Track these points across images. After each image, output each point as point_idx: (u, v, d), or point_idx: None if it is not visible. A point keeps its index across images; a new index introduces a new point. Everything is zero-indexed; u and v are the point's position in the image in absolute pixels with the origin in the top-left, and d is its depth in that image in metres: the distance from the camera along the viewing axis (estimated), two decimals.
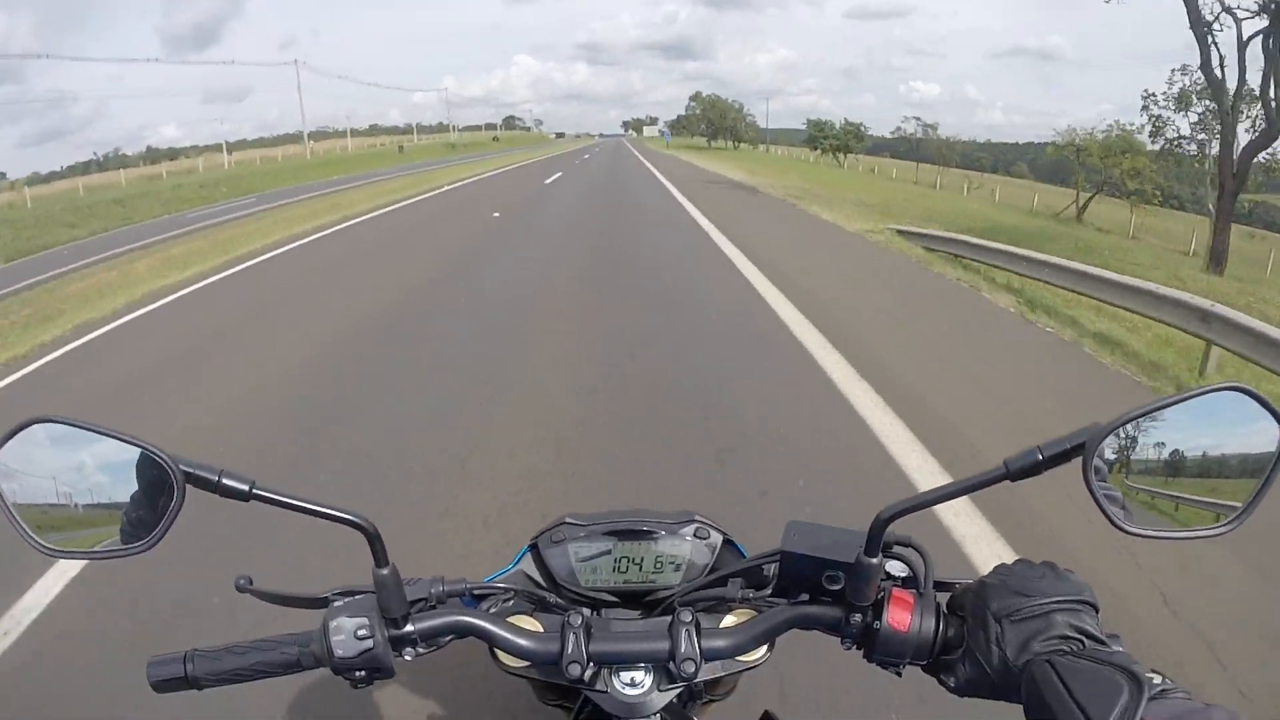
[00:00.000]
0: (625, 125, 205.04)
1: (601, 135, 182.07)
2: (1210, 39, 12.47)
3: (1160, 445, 0.50)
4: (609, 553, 0.64)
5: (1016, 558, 0.56)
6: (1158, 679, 0.45)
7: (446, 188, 20.14)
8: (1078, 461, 0.48)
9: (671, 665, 0.55)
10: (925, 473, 2.82)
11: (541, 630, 0.58)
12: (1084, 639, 0.49)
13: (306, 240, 10.61)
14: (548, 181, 21.33)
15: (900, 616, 0.53)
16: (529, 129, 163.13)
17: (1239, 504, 0.50)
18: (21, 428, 0.52)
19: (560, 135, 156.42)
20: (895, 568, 0.56)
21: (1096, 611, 0.51)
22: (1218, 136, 13.94)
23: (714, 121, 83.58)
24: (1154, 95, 18.82)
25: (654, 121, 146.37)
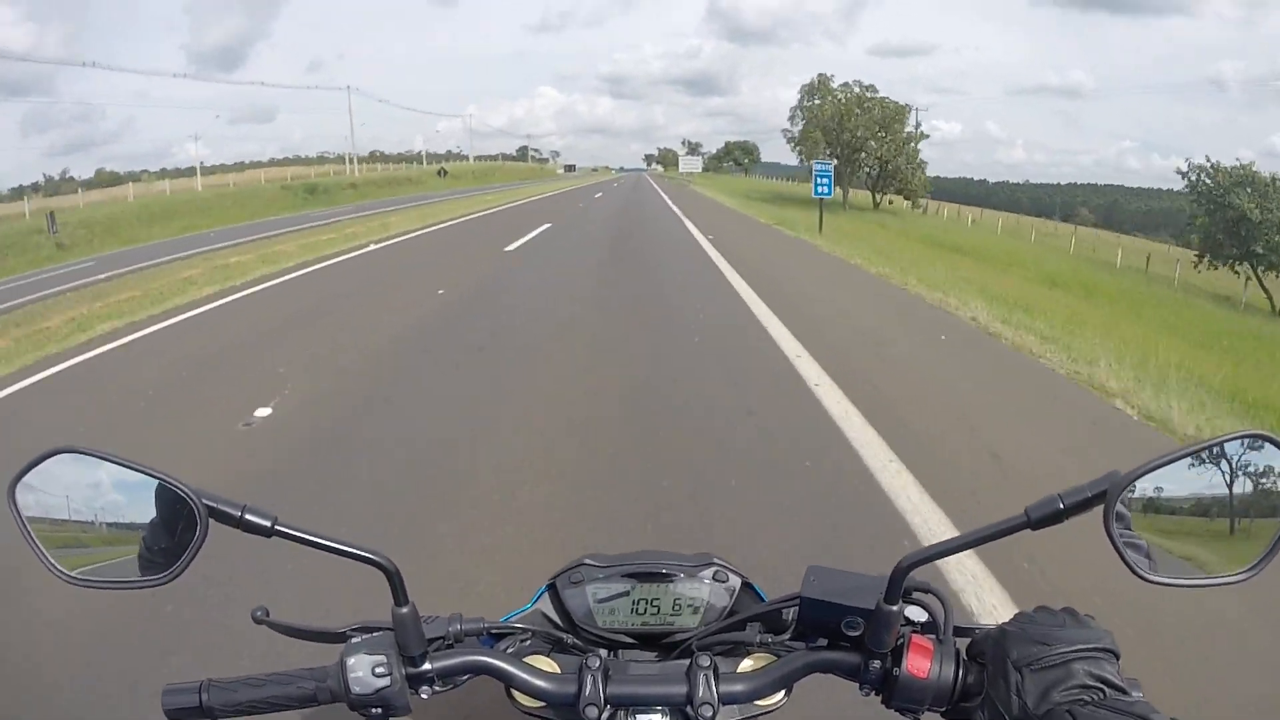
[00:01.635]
0: (648, 159, 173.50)
1: (622, 169, 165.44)
2: None
3: (1183, 491, 0.50)
4: (627, 594, 0.64)
5: (1036, 605, 0.55)
6: None
7: None
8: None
9: (689, 709, 0.55)
10: None
11: (559, 671, 0.58)
12: (1104, 688, 0.48)
13: None
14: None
15: (920, 663, 0.53)
16: (545, 160, 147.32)
17: (1260, 549, 0.50)
18: (45, 457, 0.53)
19: (570, 168, 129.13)
20: (914, 613, 0.56)
21: (1117, 658, 0.51)
22: None
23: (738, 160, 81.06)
24: None
25: (695, 150, 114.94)
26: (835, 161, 29.74)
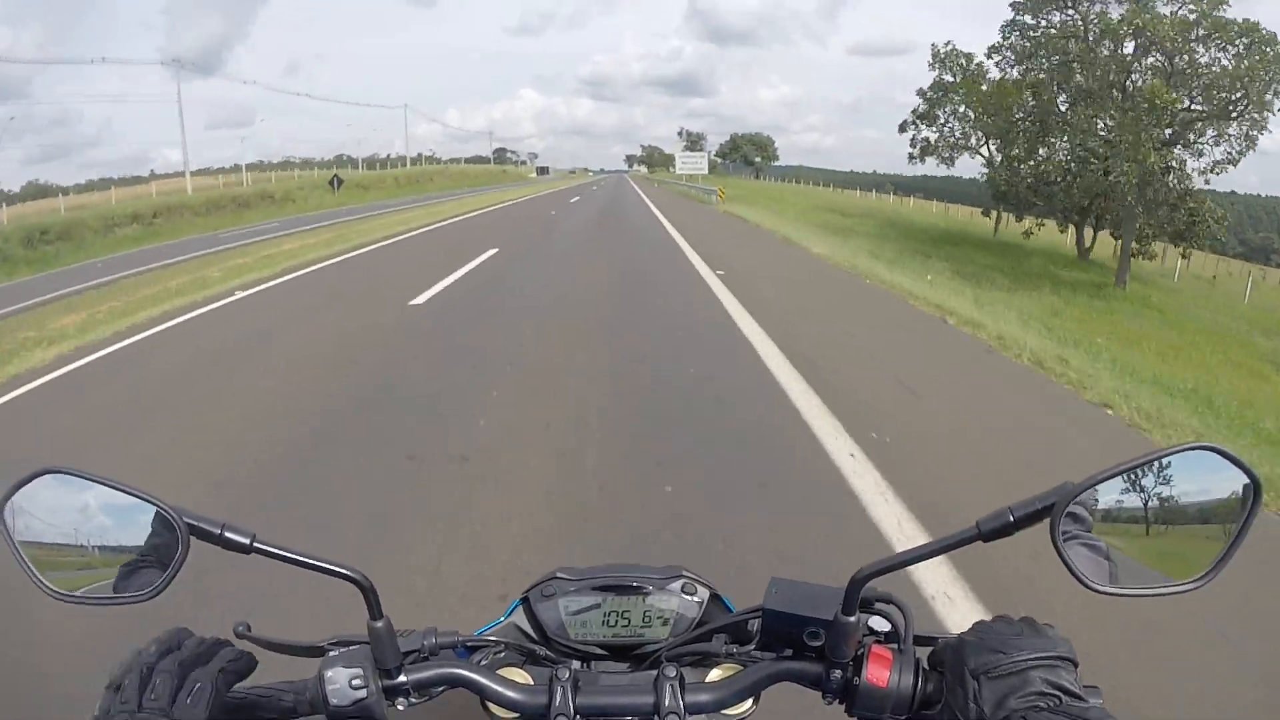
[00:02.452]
0: (629, 159, 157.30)
1: (602, 171, 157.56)
2: None
3: (1132, 503, 0.52)
4: (599, 606, 0.65)
5: (995, 615, 0.56)
6: None
7: None
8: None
9: (656, 719, 0.56)
10: None
11: (531, 683, 0.59)
12: (1060, 694, 0.50)
13: None
14: None
15: (879, 673, 0.55)
16: (523, 162, 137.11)
17: (1211, 558, 0.51)
18: (33, 477, 0.55)
19: (543, 171, 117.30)
20: (878, 623, 0.58)
21: (1075, 666, 0.52)
22: None
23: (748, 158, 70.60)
24: None
25: (697, 143, 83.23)
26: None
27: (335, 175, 39.24)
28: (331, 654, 0.58)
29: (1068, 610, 1.85)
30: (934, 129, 27.71)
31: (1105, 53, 18.00)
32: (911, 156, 28.62)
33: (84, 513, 0.57)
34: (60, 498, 0.56)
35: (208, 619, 2.12)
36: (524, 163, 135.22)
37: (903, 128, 29.04)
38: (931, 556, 0.51)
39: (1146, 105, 16.24)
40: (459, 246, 12.27)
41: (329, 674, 0.55)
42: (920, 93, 27.93)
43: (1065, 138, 19.54)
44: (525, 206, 25.59)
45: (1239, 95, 16.62)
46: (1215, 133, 17.72)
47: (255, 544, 0.53)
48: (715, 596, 0.67)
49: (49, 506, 0.56)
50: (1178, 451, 0.51)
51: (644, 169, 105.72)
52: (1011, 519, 0.49)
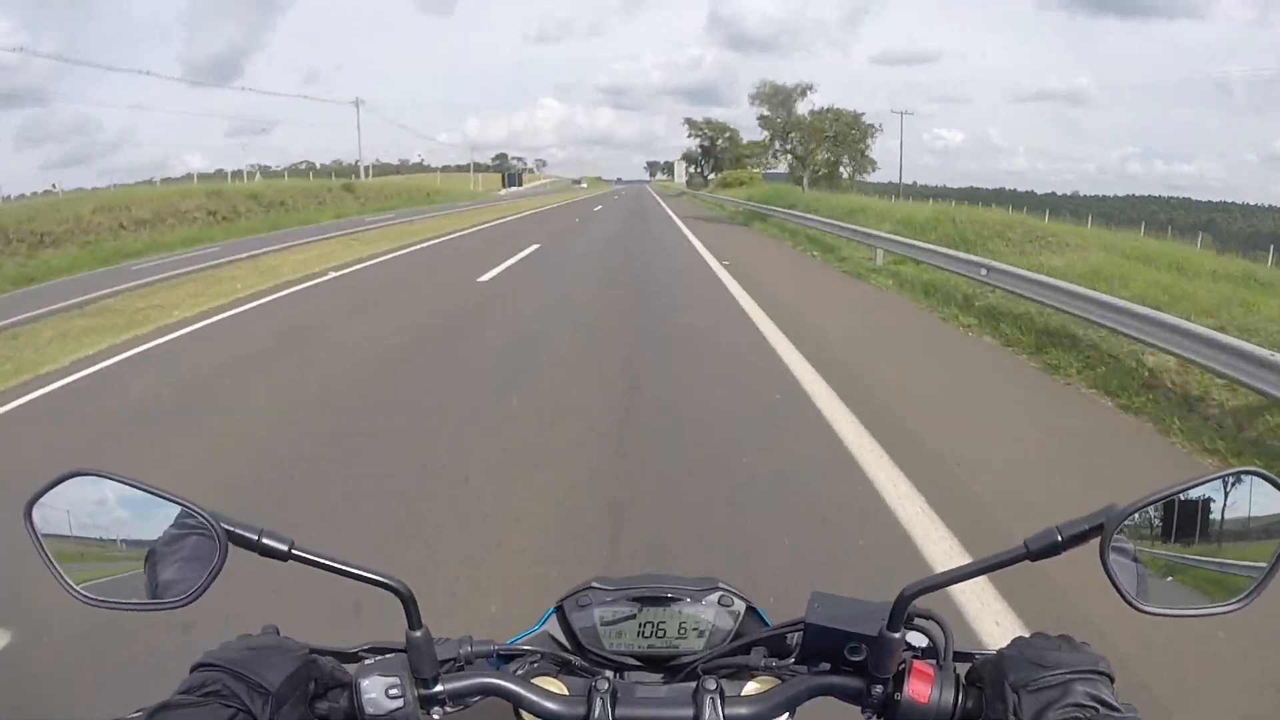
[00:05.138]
0: (651, 167, 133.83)
1: (620, 180, 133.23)
2: None
3: (1178, 525, 0.52)
4: (634, 617, 0.65)
5: (1034, 632, 0.57)
6: None
7: None
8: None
9: None
10: None
11: (567, 693, 0.59)
12: (1099, 706, 0.50)
13: None
14: None
15: (920, 688, 0.54)
16: (530, 170, 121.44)
17: (1252, 581, 0.52)
18: (63, 479, 0.53)
19: (514, 181, 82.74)
20: (916, 639, 0.57)
21: (1112, 682, 0.53)
22: None
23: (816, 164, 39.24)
24: None
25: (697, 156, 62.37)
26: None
27: None
28: (367, 662, 0.57)
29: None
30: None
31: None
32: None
33: (113, 516, 0.55)
34: (89, 500, 0.55)
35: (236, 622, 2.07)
36: (530, 170, 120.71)
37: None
38: (978, 575, 0.51)
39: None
40: None
41: (365, 683, 0.55)
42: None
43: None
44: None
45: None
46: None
47: (294, 551, 0.52)
48: (751, 609, 0.66)
49: (78, 509, 0.55)
50: (1224, 476, 0.52)
51: (681, 180, 73.82)
52: (1060, 538, 0.49)
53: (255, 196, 28.50)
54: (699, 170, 68.23)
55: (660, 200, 43.28)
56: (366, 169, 53.62)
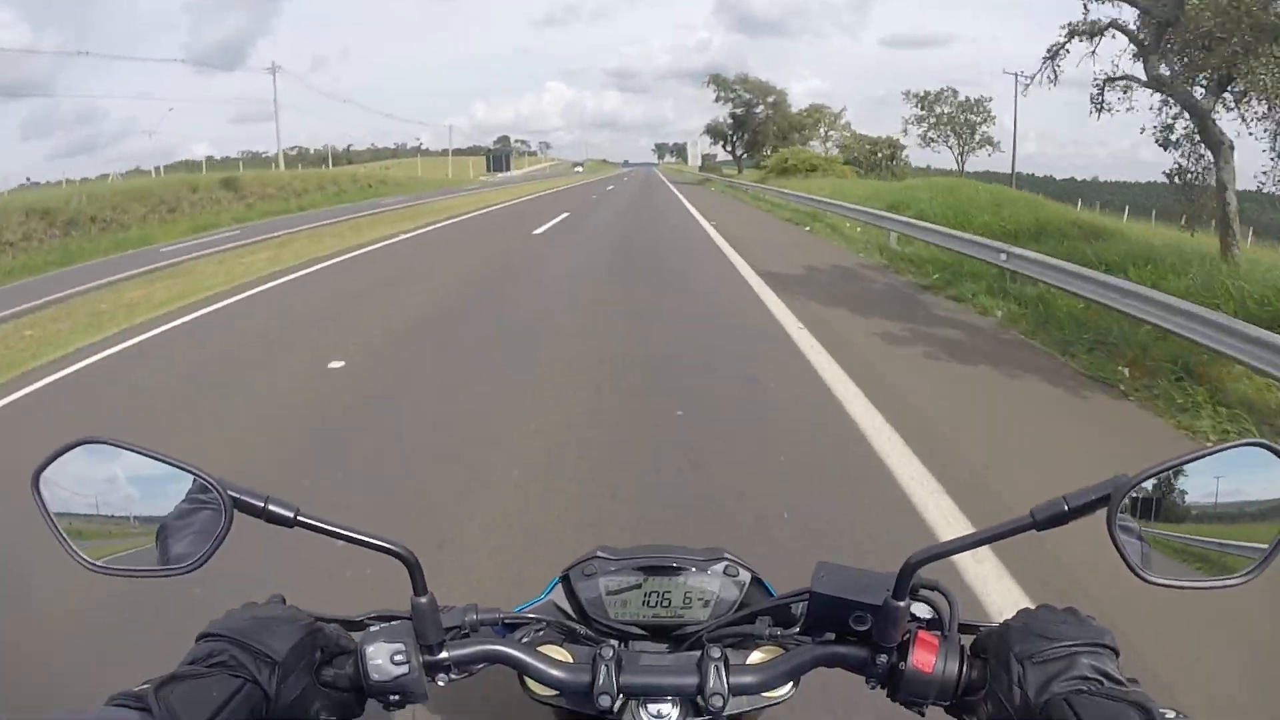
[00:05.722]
0: (659, 148, 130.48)
1: (627, 163, 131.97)
2: None
3: (1184, 497, 0.52)
4: (639, 587, 0.65)
5: (1039, 603, 0.57)
6: (1171, 714, 0.46)
7: None
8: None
9: (699, 699, 0.56)
10: None
11: (572, 661, 0.59)
12: (1103, 679, 0.50)
13: None
14: None
15: (925, 658, 0.54)
16: (533, 153, 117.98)
17: (1259, 553, 0.52)
18: (70, 447, 0.53)
19: (499, 168, 69.78)
20: (920, 609, 0.57)
21: (1117, 655, 0.53)
22: None
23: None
24: None
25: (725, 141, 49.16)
26: None
27: None
28: (372, 629, 0.57)
29: None
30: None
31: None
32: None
33: (120, 483, 0.55)
34: (95, 469, 0.55)
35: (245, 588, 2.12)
36: (534, 153, 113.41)
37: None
38: (984, 544, 0.51)
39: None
40: None
41: (370, 649, 0.55)
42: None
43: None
44: None
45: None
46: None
47: (300, 517, 0.52)
48: (756, 580, 0.67)
49: (84, 477, 0.55)
50: (1231, 447, 0.52)
51: (686, 162, 61.41)
52: (1066, 508, 0.49)
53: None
54: (730, 150, 50.02)
55: (682, 197, 24.44)
56: (289, 155, 41.85)
